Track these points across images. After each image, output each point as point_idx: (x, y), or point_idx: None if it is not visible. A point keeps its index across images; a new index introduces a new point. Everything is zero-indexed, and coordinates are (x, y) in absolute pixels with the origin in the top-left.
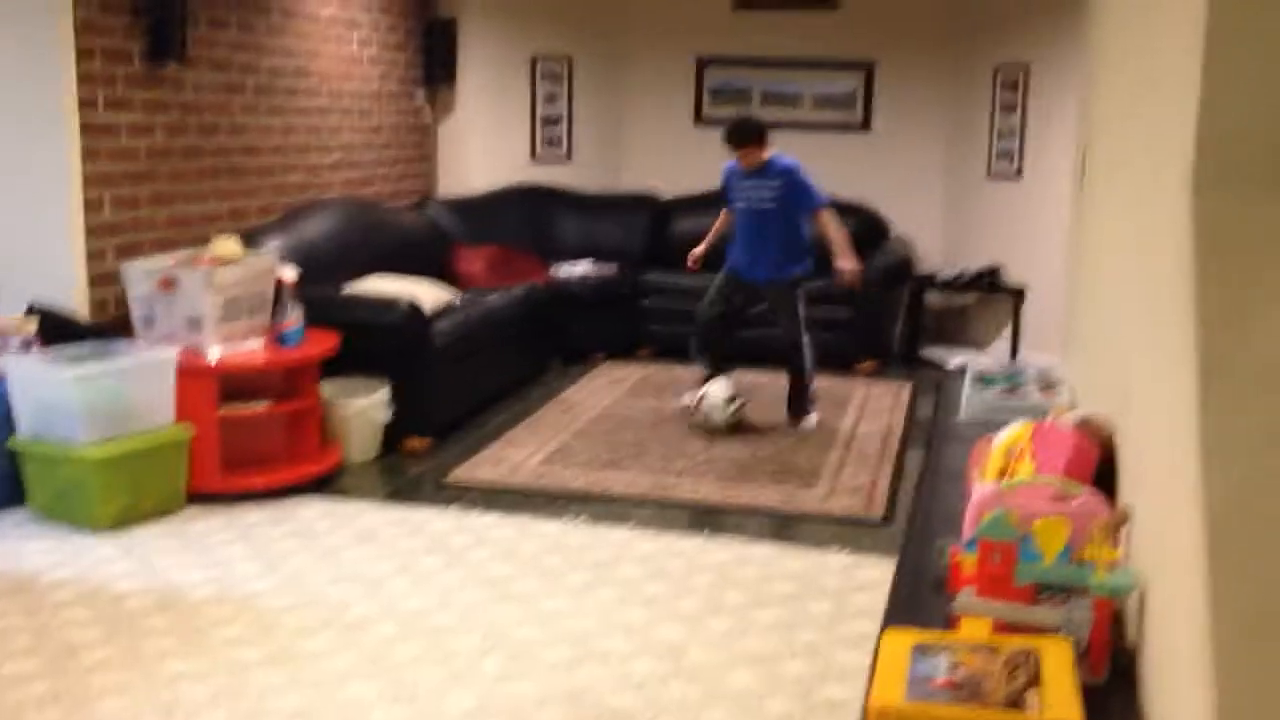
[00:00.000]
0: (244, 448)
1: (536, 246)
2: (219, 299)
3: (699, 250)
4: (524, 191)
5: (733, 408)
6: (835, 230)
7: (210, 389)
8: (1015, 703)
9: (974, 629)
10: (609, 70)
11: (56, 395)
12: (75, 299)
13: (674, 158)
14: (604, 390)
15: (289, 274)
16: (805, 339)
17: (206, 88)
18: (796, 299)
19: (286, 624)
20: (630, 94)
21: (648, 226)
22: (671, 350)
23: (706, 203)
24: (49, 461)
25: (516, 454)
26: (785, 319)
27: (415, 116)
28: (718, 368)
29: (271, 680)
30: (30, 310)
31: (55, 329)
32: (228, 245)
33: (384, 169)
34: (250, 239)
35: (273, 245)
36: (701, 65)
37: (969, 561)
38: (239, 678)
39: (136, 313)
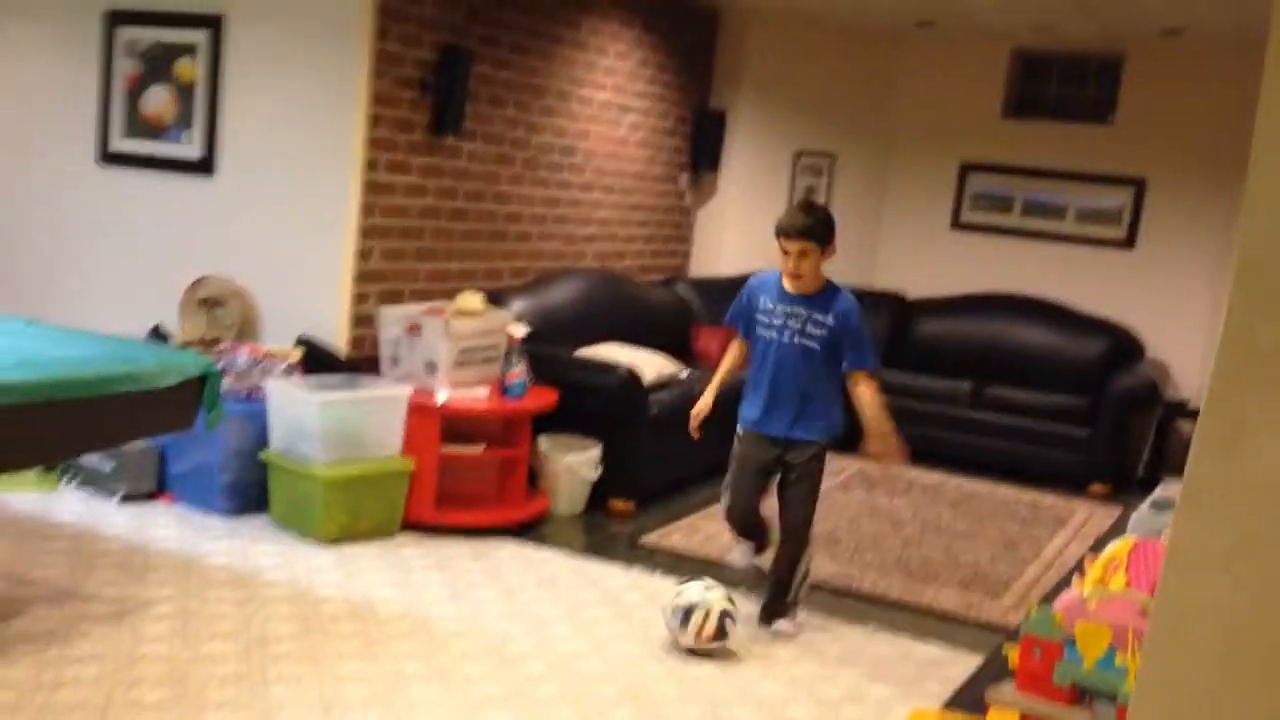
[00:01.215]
0: (458, 486)
1: None
2: (454, 347)
3: (705, 403)
4: None
5: (707, 626)
6: (876, 400)
7: (435, 428)
8: None
9: (1000, 717)
10: (870, 168)
11: (304, 417)
12: (336, 335)
13: (927, 259)
14: None
15: (519, 331)
16: (811, 522)
17: (479, 158)
18: (818, 467)
19: (452, 647)
20: (889, 193)
21: (890, 324)
22: None
23: (954, 307)
24: (289, 475)
25: (712, 527)
26: (803, 492)
27: (676, 199)
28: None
29: (424, 694)
30: (299, 341)
31: (316, 359)
32: (471, 300)
33: (638, 245)
34: (496, 297)
35: (516, 305)
36: (965, 170)
37: (1013, 656)
38: (397, 686)
39: (385, 353)
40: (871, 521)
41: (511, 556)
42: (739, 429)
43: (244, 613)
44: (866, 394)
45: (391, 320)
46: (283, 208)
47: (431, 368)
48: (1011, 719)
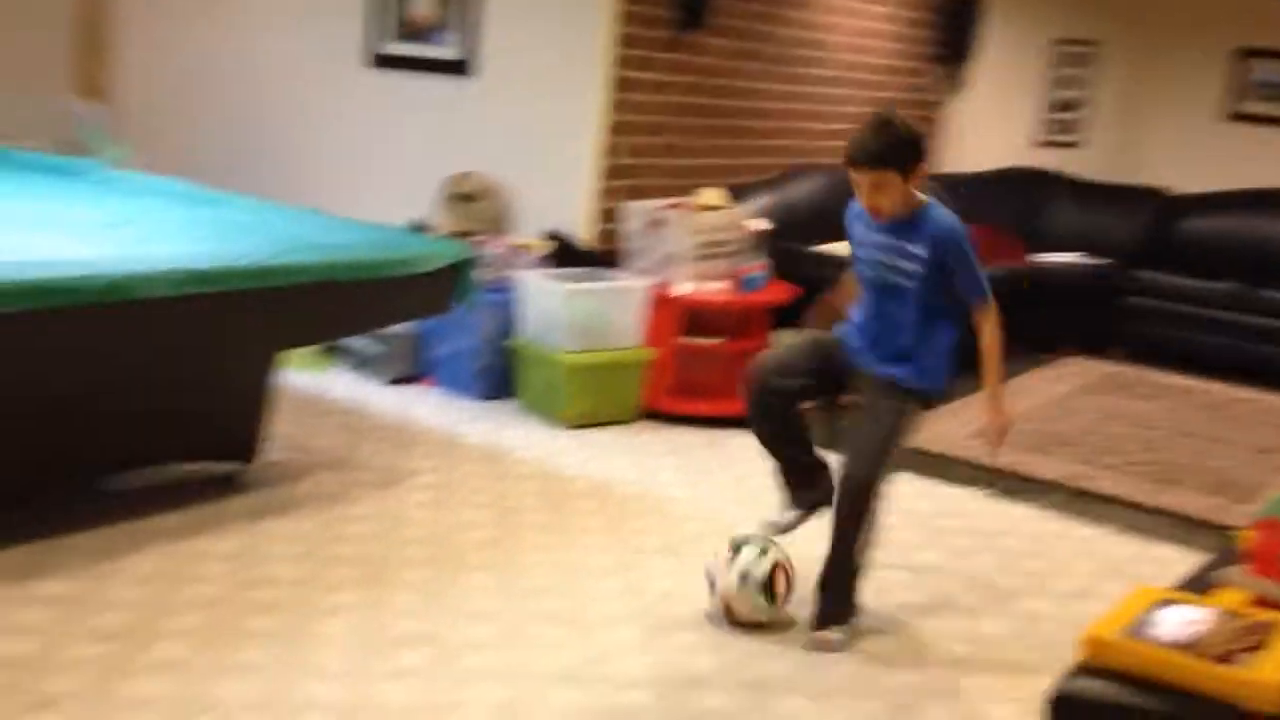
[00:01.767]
0: (694, 377)
1: (1023, 231)
2: (694, 241)
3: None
4: (1021, 174)
5: (761, 598)
6: (992, 348)
7: (674, 320)
8: (1226, 659)
9: (1230, 598)
10: (1135, 57)
11: (551, 307)
12: (583, 229)
13: (1197, 154)
14: (1062, 381)
15: (759, 225)
16: (878, 490)
17: (724, 54)
18: (899, 418)
19: (686, 528)
20: (1155, 83)
21: (1150, 222)
22: (1149, 353)
23: (1223, 203)
24: (536, 363)
25: (949, 424)
26: (869, 434)
27: (925, 93)
28: (792, 456)
29: (660, 565)
30: (548, 235)
31: (564, 253)
32: (712, 195)
33: None
34: (737, 193)
35: (757, 200)
36: (1242, 57)
37: (1250, 538)
38: (635, 558)
39: (628, 246)
40: (1116, 424)
41: (743, 445)
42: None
43: (497, 486)
44: (985, 335)
45: (635, 215)
46: (536, 106)
47: (672, 261)
48: (1241, 600)
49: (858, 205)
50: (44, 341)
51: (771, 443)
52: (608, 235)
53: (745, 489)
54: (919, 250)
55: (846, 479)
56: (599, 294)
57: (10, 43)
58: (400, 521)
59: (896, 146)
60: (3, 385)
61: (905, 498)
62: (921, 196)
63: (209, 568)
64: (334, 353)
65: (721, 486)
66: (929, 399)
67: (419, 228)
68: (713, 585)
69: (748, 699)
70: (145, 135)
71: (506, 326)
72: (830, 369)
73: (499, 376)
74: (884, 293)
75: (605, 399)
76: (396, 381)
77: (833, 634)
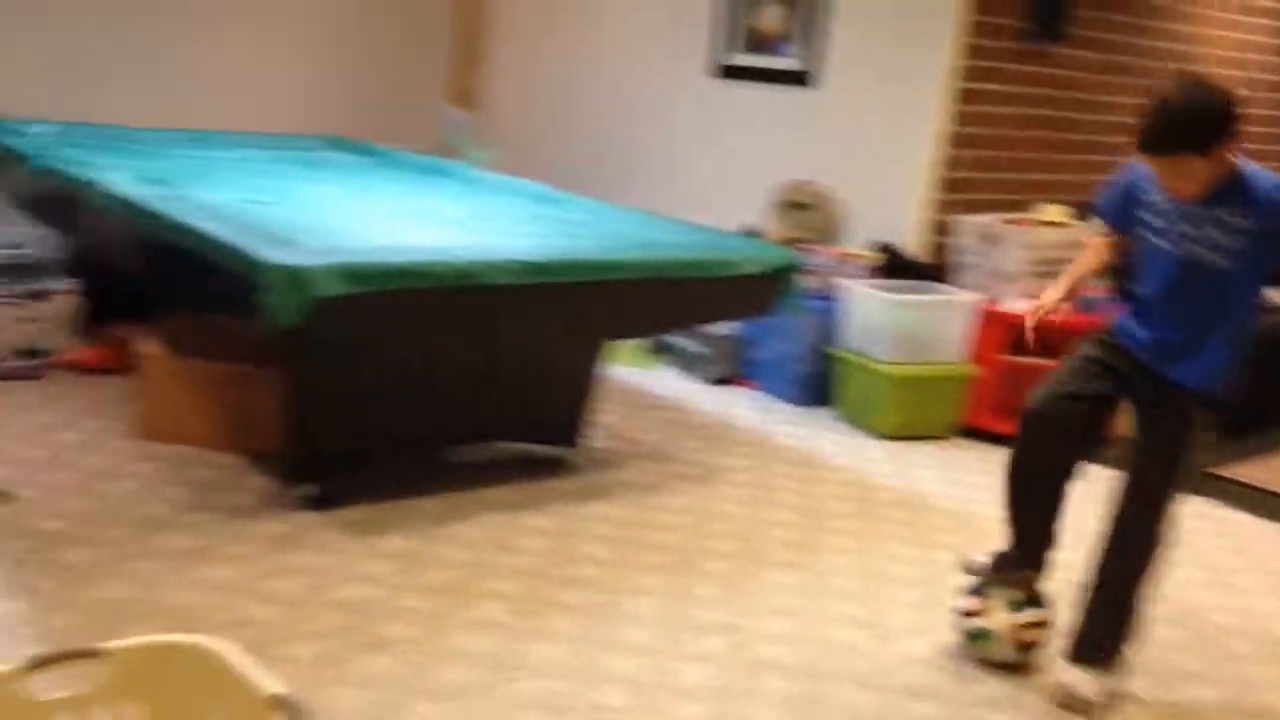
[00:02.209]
0: (1018, 397)
1: None
2: (1029, 257)
3: (1048, 299)
4: None
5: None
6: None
7: (999, 336)
8: None
9: None
10: None
11: (876, 317)
12: (913, 241)
13: None
14: None
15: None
16: (1167, 516)
17: (1082, 66)
18: (1196, 432)
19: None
20: None
21: None
22: None
23: None
24: (857, 371)
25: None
26: (1161, 453)
27: None
28: (1038, 542)
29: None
30: (877, 246)
31: (892, 264)
32: (1054, 211)
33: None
34: (1081, 210)
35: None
36: None
37: None
38: (939, 572)
39: (958, 259)
40: None
41: None
42: (1102, 336)
43: (807, 489)
44: None
45: (969, 228)
46: (875, 117)
47: (1004, 276)
48: None
49: (1143, 169)
50: (405, 318)
51: (1027, 492)
52: (938, 249)
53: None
54: (1240, 221)
55: (1138, 502)
56: (925, 306)
57: (396, 54)
58: (711, 515)
59: (1191, 125)
60: (364, 359)
61: (1235, 534)
62: (1234, 161)
63: (530, 541)
64: (661, 351)
65: None
66: (1213, 396)
67: (750, 233)
68: (986, 637)
69: None
70: (507, 139)
71: (829, 334)
72: (1105, 377)
73: (818, 383)
74: (1183, 274)
75: (924, 412)
76: (718, 382)
77: (1086, 680)
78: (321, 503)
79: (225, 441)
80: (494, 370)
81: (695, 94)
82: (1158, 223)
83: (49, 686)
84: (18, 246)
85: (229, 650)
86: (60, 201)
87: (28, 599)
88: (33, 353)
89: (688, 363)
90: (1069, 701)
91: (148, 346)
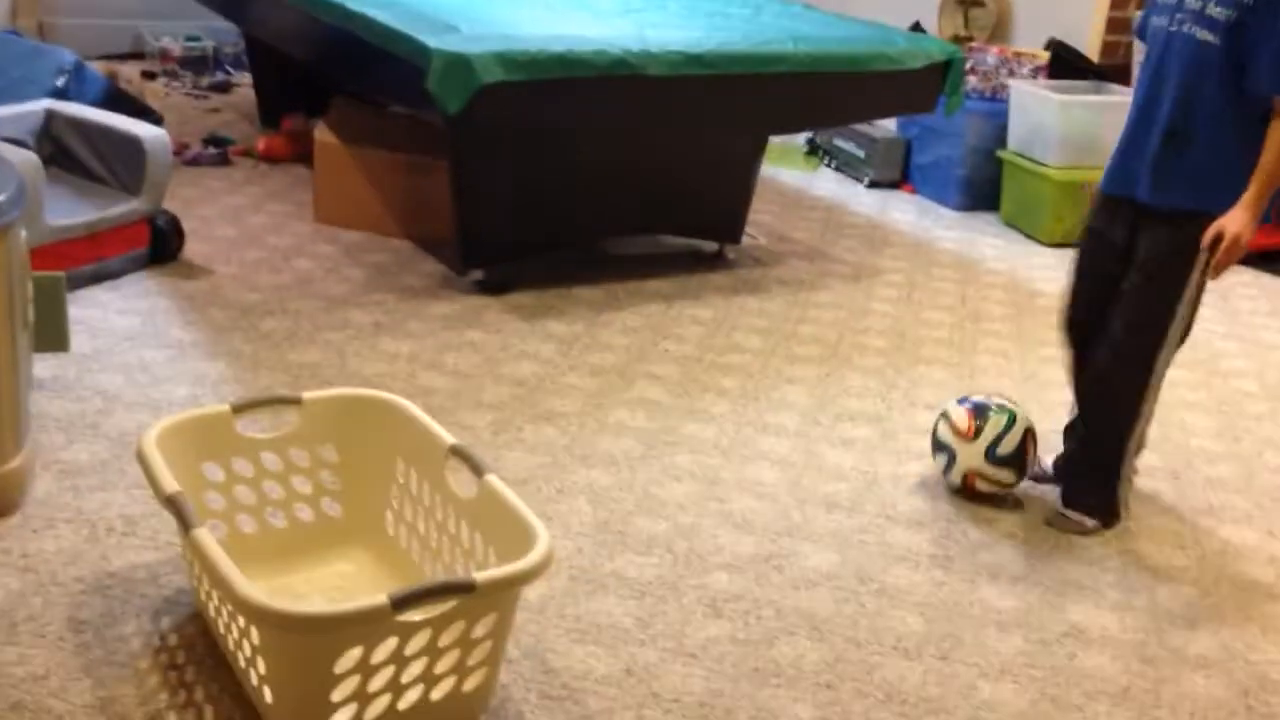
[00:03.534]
0: None
1: None
2: None
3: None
4: None
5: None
6: (1274, 153)
7: None
8: None
9: None
10: None
11: (1043, 118)
12: (1088, 40)
13: None
14: None
15: None
16: (1159, 365)
17: None
18: (1191, 271)
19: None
20: None
21: None
22: None
23: None
24: (1022, 175)
25: None
26: (1146, 302)
27: None
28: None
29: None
30: (1048, 44)
31: (1063, 64)
32: None
33: None
34: None
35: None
36: None
37: None
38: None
39: (1134, 59)
40: None
41: (1245, 283)
42: (1092, 210)
43: (962, 291)
44: (1274, 145)
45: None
46: None
47: None
48: None
49: None
50: (564, 108)
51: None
52: (1114, 48)
53: (1236, 325)
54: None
55: (1118, 359)
56: (1095, 108)
57: None
58: (863, 312)
59: None
60: (528, 149)
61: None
62: None
63: (687, 329)
64: (821, 154)
65: (1206, 320)
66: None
67: (916, 28)
68: (950, 457)
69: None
70: None
71: (994, 137)
72: (1108, 268)
73: (979, 187)
74: (1172, 51)
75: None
76: (878, 185)
77: (1081, 517)
78: (489, 287)
79: (398, 228)
80: (654, 163)
81: None
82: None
83: (253, 428)
84: (198, 39)
85: (410, 406)
86: None
87: (232, 360)
88: (219, 141)
89: (847, 165)
90: (1071, 526)
91: (320, 135)
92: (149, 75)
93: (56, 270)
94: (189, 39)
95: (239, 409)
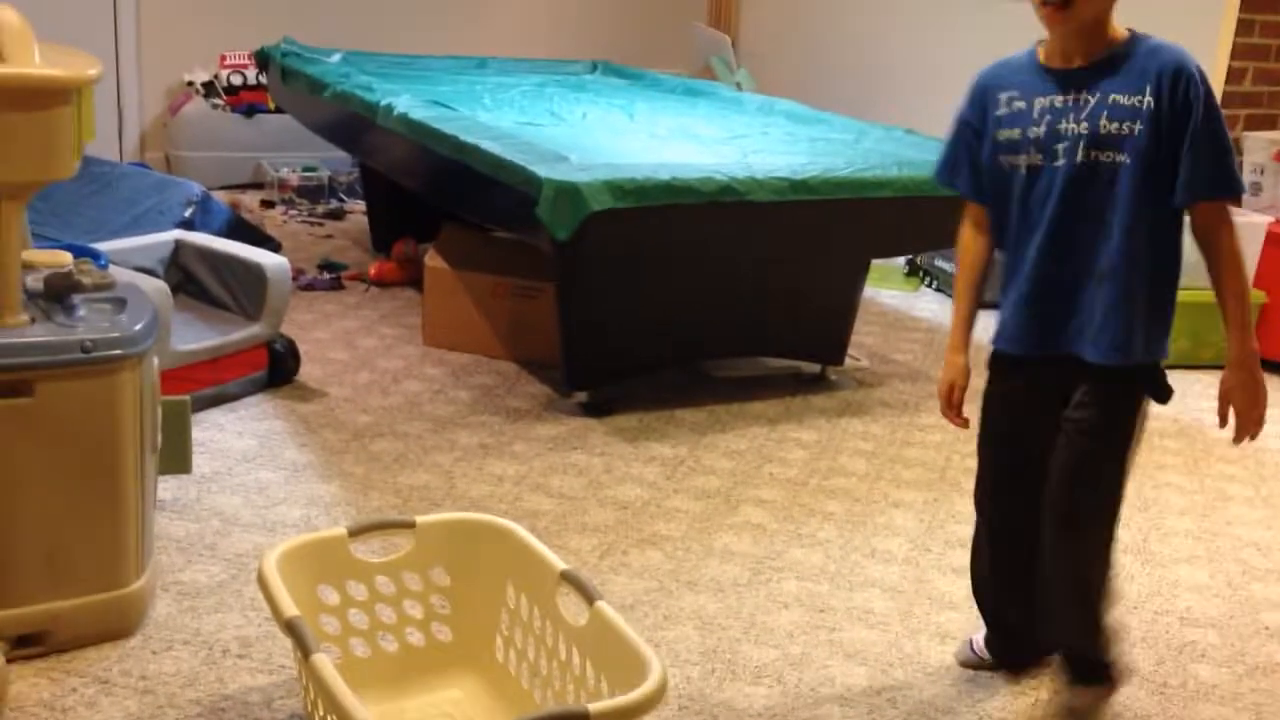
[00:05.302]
0: None
1: None
2: None
3: (953, 368)
4: None
5: None
6: (1239, 271)
7: None
8: None
9: None
10: None
11: None
12: None
13: None
14: None
15: None
16: (1113, 530)
17: None
18: (1133, 429)
19: None
20: None
21: None
22: None
23: None
24: None
25: None
26: (1094, 453)
27: None
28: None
29: (1244, 513)
30: None
31: None
32: None
33: None
34: None
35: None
36: None
37: None
38: (1215, 502)
39: (1248, 179)
40: None
41: None
42: (988, 363)
43: None
44: (1224, 250)
45: (1258, 146)
46: (1148, 29)
47: None
48: None
49: (995, 67)
50: (671, 233)
51: (992, 623)
52: None
53: None
54: (1140, 96)
55: (1071, 514)
56: None
57: None
58: (968, 436)
59: None
60: (633, 272)
61: None
62: (1122, 29)
63: (791, 451)
64: (921, 274)
65: None
66: (1155, 368)
67: None
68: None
69: None
70: (764, 59)
71: None
72: (1034, 437)
73: None
74: (1068, 187)
75: (1206, 340)
76: (981, 306)
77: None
78: (594, 409)
79: (503, 350)
80: (758, 286)
81: (952, 11)
82: (1030, 130)
83: (367, 552)
84: (314, 169)
85: (520, 530)
86: (353, 125)
87: (344, 482)
88: (332, 266)
89: (948, 286)
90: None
91: (432, 261)
92: (267, 204)
93: (181, 394)
94: (305, 169)
95: (355, 533)
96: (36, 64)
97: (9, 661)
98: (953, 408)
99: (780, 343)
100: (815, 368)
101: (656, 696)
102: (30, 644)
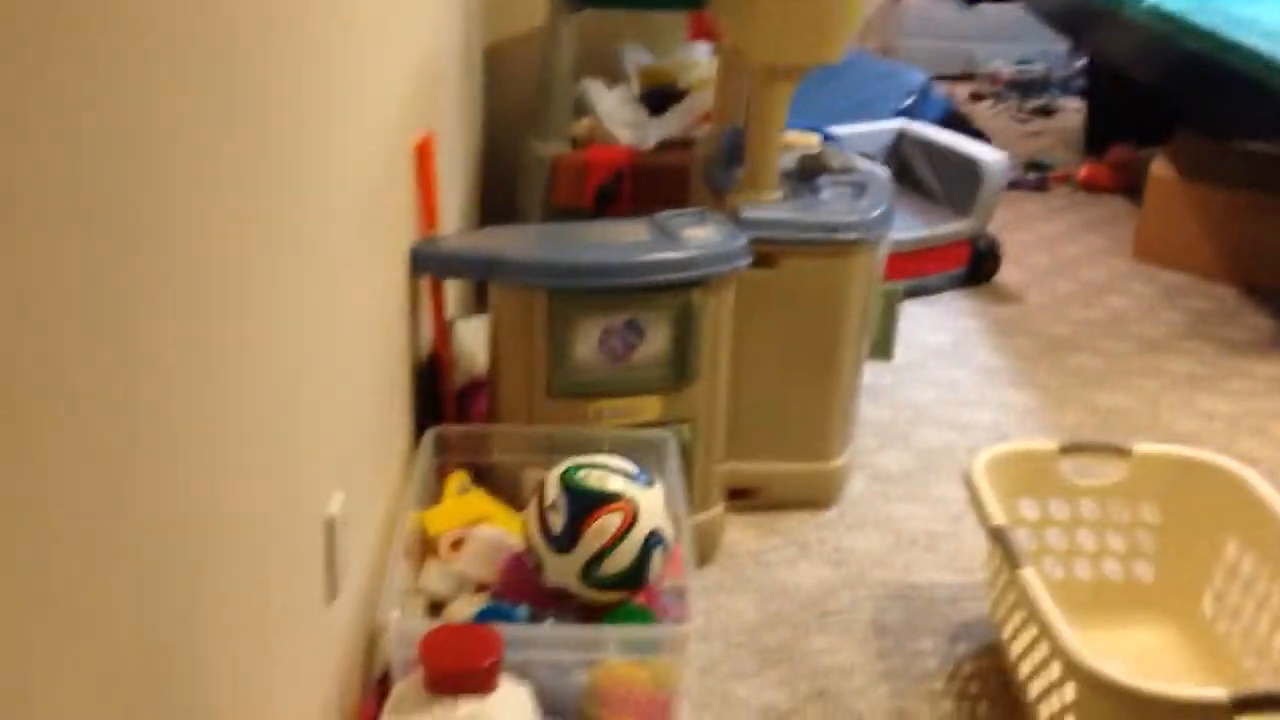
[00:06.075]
0: None
1: None
2: None
3: None
4: None
5: None
6: None
7: None
8: None
9: None
10: None
11: None
12: None
13: None
14: None
15: None
16: None
17: None
18: None
19: None
20: None
21: None
22: None
23: None
24: None
25: None
26: None
27: None
28: None
29: None
30: None
31: None
32: None
33: None
34: None
35: None
36: None
37: None
38: None
39: None
40: None
41: None
42: None
43: None
44: None
45: None
46: None
47: None
48: None
49: None
50: None
51: None
52: None
53: None
54: None
55: None
56: None
57: None
58: None
59: None
60: None
61: None
62: None
63: None
64: None
65: None
66: None
67: None
68: None
69: None
70: None
71: None
72: None
73: None
74: None
75: None
76: None
77: None
78: None
79: (1226, 273)
80: None
81: None
82: None
83: (1074, 472)
84: (1029, 63)
85: (1256, 479)
86: (1092, 15)
87: (1037, 392)
88: (1039, 166)
89: None
90: None
91: (1157, 168)
92: (976, 97)
93: (891, 283)
94: (1020, 62)
95: (1066, 450)
96: None
97: (725, 512)
98: None
99: None
100: None
101: None
102: (742, 497)
